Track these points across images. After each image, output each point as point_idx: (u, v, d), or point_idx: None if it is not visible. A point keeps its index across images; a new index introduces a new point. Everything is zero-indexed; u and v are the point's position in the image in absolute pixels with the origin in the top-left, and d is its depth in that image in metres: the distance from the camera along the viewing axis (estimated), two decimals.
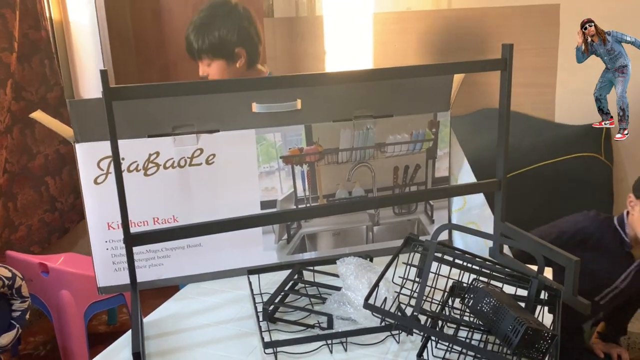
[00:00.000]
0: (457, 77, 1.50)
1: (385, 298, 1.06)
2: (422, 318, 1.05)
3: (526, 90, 2.02)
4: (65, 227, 2.92)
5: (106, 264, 1.34)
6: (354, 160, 1.47)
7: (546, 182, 1.96)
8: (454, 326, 1.10)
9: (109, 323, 2.81)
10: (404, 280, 1.17)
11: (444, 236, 1.57)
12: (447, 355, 1.04)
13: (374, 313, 1.04)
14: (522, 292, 1.15)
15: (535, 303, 1.13)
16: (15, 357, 2.46)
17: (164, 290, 1.39)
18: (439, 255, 1.13)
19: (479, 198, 1.52)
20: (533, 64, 2.02)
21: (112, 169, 1.26)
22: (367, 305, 1.01)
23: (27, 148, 2.67)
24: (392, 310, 1.09)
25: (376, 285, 1.05)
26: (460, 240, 1.54)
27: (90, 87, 2.81)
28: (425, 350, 1.02)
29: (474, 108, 2.11)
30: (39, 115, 1.26)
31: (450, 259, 1.17)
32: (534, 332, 0.96)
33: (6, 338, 1.96)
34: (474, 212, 1.54)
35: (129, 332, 1.13)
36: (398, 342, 1.10)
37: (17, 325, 1.99)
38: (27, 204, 2.68)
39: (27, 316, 2.07)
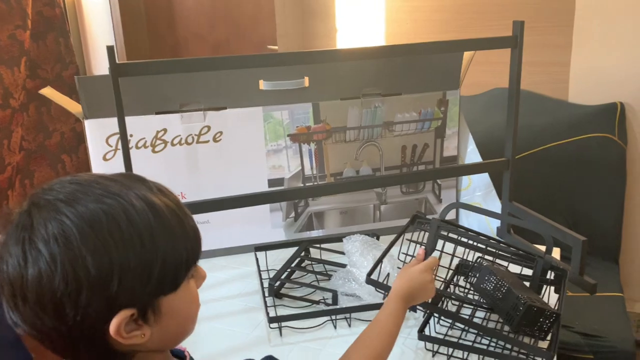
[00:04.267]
0: (467, 55, 1.48)
1: (388, 274, 1.06)
2: None
3: (539, 69, 1.98)
4: None
5: None
6: (361, 139, 1.47)
7: (558, 162, 1.93)
8: (457, 303, 1.11)
9: None
10: (407, 257, 1.18)
11: (451, 216, 1.57)
12: (450, 332, 1.05)
13: (377, 289, 1.04)
14: (529, 272, 1.15)
15: (542, 283, 1.13)
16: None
17: None
18: (445, 233, 1.13)
19: (484, 179, 1.51)
20: (547, 42, 1.98)
21: (120, 146, 1.27)
22: (369, 280, 1.01)
23: (43, 126, 2.70)
24: None
25: (380, 261, 1.06)
26: (466, 221, 1.54)
27: (102, 65, 2.83)
28: (428, 326, 1.03)
29: (486, 88, 2.08)
30: (48, 91, 1.28)
31: (456, 237, 1.17)
32: (535, 310, 0.96)
33: None
34: (478, 193, 1.53)
35: None
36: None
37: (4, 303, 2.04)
38: (43, 181, 2.71)
39: None
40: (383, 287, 1.02)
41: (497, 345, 1.00)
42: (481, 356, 0.97)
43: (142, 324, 0.53)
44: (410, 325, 1.09)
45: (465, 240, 1.15)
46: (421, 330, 1.00)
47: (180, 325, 0.57)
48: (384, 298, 1.12)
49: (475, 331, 1.03)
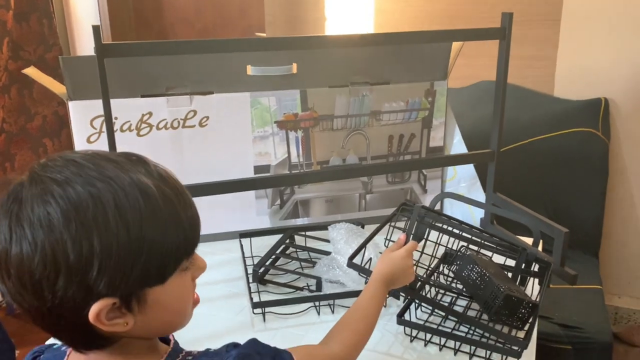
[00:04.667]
0: (456, 46, 1.48)
1: (371, 259, 1.07)
2: None
3: (526, 63, 2.00)
4: None
5: None
6: (349, 128, 1.47)
7: (543, 156, 1.95)
8: (439, 291, 1.12)
9: None
10: (388, 242, 1.18)
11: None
12: (430, 319, 1.06)
13: (359, 273, 1.05)
14: (512, 263, 1.16)
15: (526, 274, 1.15)
16: (10, 315, 2.49)
17: None
18: (430, 221, 1.14)
19: (470, 170, 1.53)
20: (534, 36, 1.99)
21: (104, 128, 1.26)
22: (350, 264, 1.02)
23: (25, 108, 2.65)
24: None
25: (363, 246, 1.06)
26: (450, 211, 1.55)
27: (86, 49, 2.79)
28: (408, 312, 1.04)
29: (473, 80, 2.09)
30: (31, 71, 1.25)
31: (443, 226, 1.18)
32: (513, 300, 0.97)
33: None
34: (463, 184, 1.54)
35: None
36: (385, 306, 1.12)
37: None
38: (25, 165, 2.67)
39: None
40: (364, 271, 1.02)
41: (475, 333, 1.01)
42: (458, 343, 0.98)
43: (126, 313, 0.52)
44: (392, 312, 1.09)
45: (451, 229, 1.16)
46: (400, 315, 1.01)
47: (167, 318, 0.56)
48: (366, 282, 1.13)
49: (455, 319, 1.04)
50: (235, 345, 0.62)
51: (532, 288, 1.15)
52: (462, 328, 1.03)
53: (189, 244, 0.55)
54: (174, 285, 0.54)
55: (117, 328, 0.52)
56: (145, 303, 0.52)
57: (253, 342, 0.63)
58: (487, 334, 1.00)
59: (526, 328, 1.00)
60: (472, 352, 0.97)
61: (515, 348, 0.94)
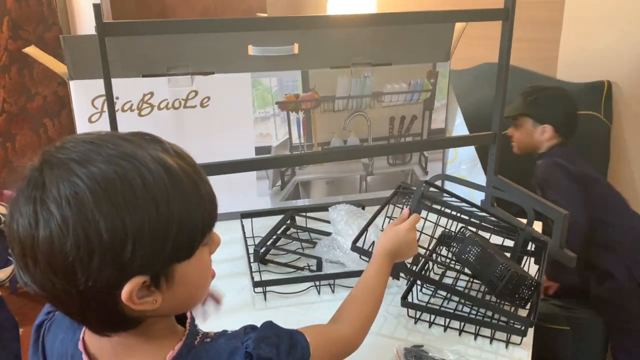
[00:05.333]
0: (458, 27, 1.47)
1: (373, 242, 1.07)
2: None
3: (529, 46, 1.98)
4: None
5: None
6: (350, 109, 1.46)
7: None
8: (440, 272, 1.13)
9: None
10: (390, 221, 1.18)
11: None
12: (432, 300, 1.07)
13: (361, 256, 1.05)
14: (510, 244, 1.17)
15: (523, 254, 1.15)
16: (13, 294, 2.51)
17: None
18: (429, 204, 1.14)
19: (470, 152, 1.52)
20: (538, 18, 1.97)
21: (106, 108, 1.25)
22: (354, 248, 1.02)
23: (25, 88, 2.65)
24: None
25: (365, 229, 1.07)
26: None
27: (86, 29, 2.77)
28: (410, 294, 1.04)
29: (476, 62, 2.08)
30: (32, 50, 1.25)
31: (440, 207, 1.18)
32: (518, 278, 0.98)
33: (3, 273, 1.99)
34: (463, 166, 1.54)
35: None
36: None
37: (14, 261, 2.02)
38: (25, 144, 2.68)
39: None
40: (368, 254, 1.03)
41: (478, 313, 1.02)
42: (462, 323, 0.99)
43: (155, 290, 0.52)
44: (393, 292, 1.10)
45: (449, 211, 1.17)
46: (404, 297, 1.01)
47: (191, 293, 0.57)
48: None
49: (457, 299, 1.05)
50: (252, 327, 0.62)
51: (529, 267, 1.15)
52: (464, 309, 1.04)
53: (211, 218, 0.55)
54: (199, 259, 0.55)
55: (146, 307, 0.52)
56: (173, 279, 0.53)
57: (269, 325, 0.63)
58: (489, 313, 1.00)
59: (527, 307, 1.00)
60: (476, 332, 0.98)
61: (520, 326, 0.95)
